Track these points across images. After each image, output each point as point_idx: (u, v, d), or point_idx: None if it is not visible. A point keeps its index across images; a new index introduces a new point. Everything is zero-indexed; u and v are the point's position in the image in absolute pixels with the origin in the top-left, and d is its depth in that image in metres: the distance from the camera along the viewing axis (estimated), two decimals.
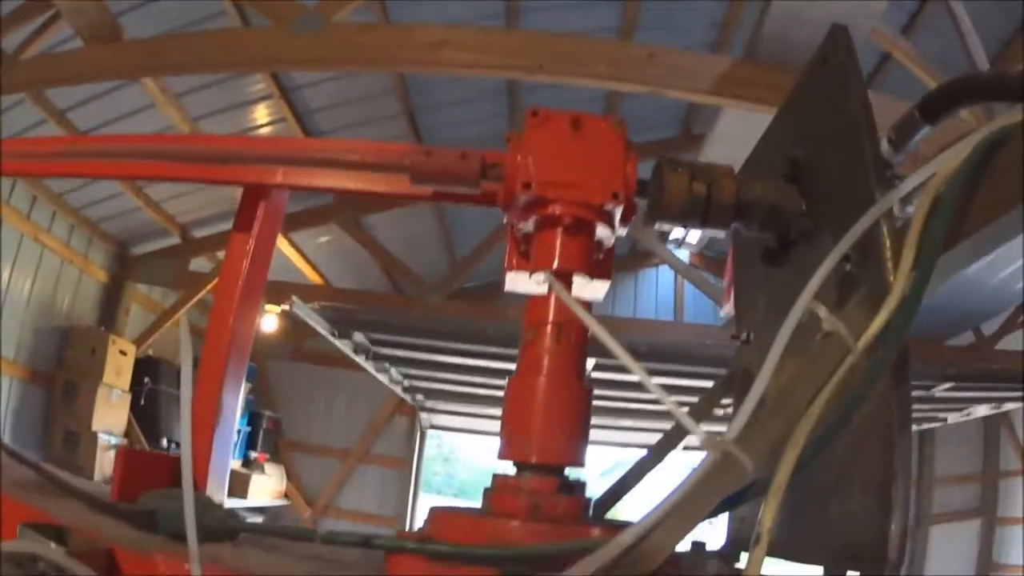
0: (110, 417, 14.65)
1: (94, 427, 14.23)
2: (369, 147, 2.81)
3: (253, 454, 18.94)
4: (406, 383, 18.19)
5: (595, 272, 2.35)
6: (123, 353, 14.97)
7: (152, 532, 2.30)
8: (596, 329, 2.10)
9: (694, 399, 11.23)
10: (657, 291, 21.86)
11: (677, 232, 15.71)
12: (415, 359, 15.59)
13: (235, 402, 3.01)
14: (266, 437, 19.98)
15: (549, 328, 2.26)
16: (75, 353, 14.70)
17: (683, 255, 17.88)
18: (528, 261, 2.44)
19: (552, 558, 1.92)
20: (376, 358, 15.64)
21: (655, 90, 8.12)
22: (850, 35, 2.32)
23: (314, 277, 17.17)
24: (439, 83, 12.98)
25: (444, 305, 15.62)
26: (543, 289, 2.31)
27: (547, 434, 2.20)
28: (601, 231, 2.34)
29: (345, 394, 21.39)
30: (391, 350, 15.14)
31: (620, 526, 2.01)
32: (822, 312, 1.85)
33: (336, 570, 2.18)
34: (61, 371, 14.77)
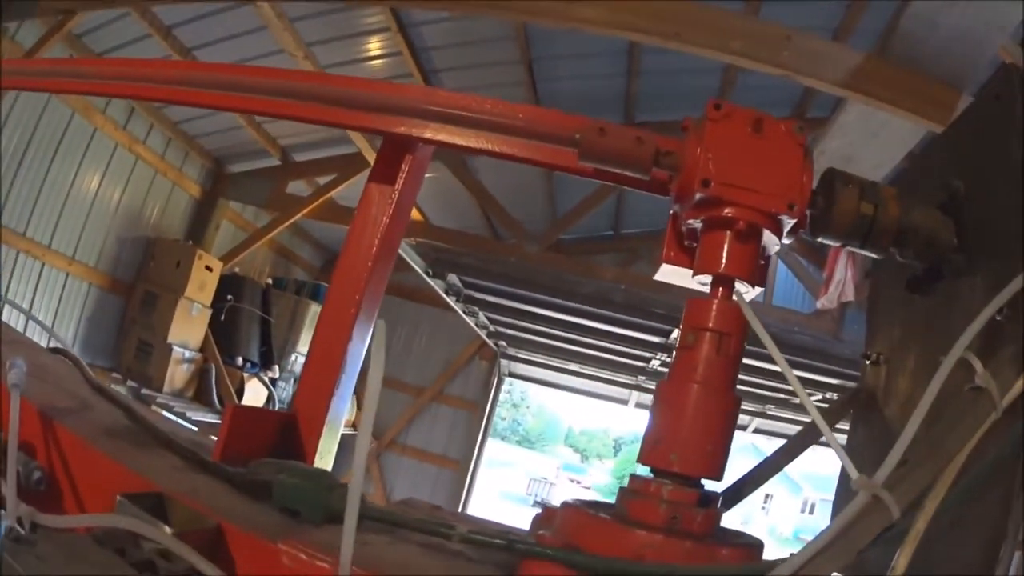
0: (187, 331, 14.79)
1: (170, 339, 14.40)
2: (536, 114, 2.67)
3: None
4: (492, 328, 18.37)
5: (754, 279, 2.24)
6: (209, 268, 15.08)
7: (263, 502, 2.21)
8: (775, 353, 2.03)
9: (775, 383, 11.22)
10: None
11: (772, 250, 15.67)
12: (505, 306, 15.76)
13: (358, 361, 2.87)
14: None
15: (708, 336, 2.14)
16: (159, 264, 14.86)
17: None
18: (686, 255, 2.40)
19: None
20: (467, 300, 15.74)
21: (787, 74, 7.96)
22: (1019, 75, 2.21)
23: (414, 213, 17.07)
24: (560, 35, 12.80)
25: (541, 256, 15.52)
26: (704, 289, 2.24)
27: (696, 446, 2.10)
28: (768, 238, 2.25)
29: (426, 332, 21.53)
30: (483, 295, 15.29)
31: (745, 542, 2.05)
32: (978, 367, 1.82)
33: (463, 566, 2.09)
34: (142, 281, 14.92)
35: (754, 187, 2.16)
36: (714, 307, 2.17)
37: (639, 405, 23.36)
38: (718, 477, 2.15)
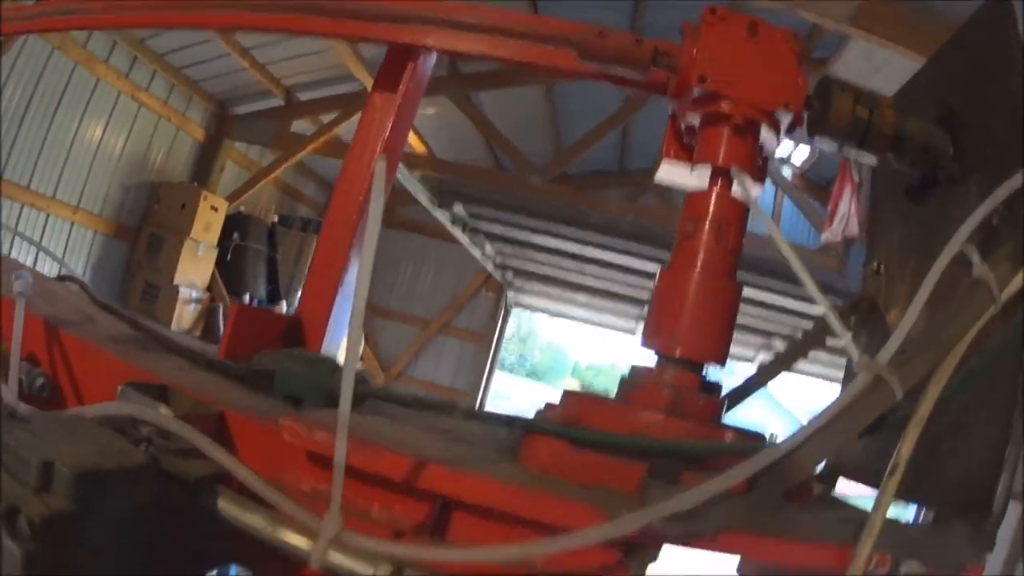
0: (194, 271, 14.80)
1: (176, 280, 14.41)
2: (534, 19, 2.76)
3: None
4: (498, 260, 18.41)
5: (753, 175, 2.25)
6: (214, 209, 15.05)
7: (266, 394, 2.23)
8: (774, 233, 2.05)
9: (785, 316, 11.22)
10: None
11: (783, 149, 15.65)
12: (512, 237, 15.75)
13: (362, 268, 2.92)
14: None
15: (708, 225, 2.18)
16: (164, 208, 14.83)
17: (786, 173, 17.74)
18: (685, 152, 2.42)
19: (700, 456, 1.95)
20: (473, 231, 15.73)
21: (792, 6, 7.95)
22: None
23: (418, 146, 16.99)
24: None
25: (547, 187, 15.49)
26: (703, 183, 2.26)
27: (696, 330, 2.14)
28: (765, 135, 2.27)
29: (433, 265, 21.42)
30: (489, 225, 15.26)
31: (749, 433, 2.06)
32: (975, 258, 1.88)
33: (462, 446, 2.11)
34: (147, 225, 14.89)
35: (750, 84, 2.20)
36: (713, 197, 2.20)
37: None
38: (721, 362, 2.18)
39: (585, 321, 23.22)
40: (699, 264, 2.16)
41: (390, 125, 2.89)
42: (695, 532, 1.69)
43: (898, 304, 2.62)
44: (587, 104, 15.71)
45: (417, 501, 1.83)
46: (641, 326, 21.72)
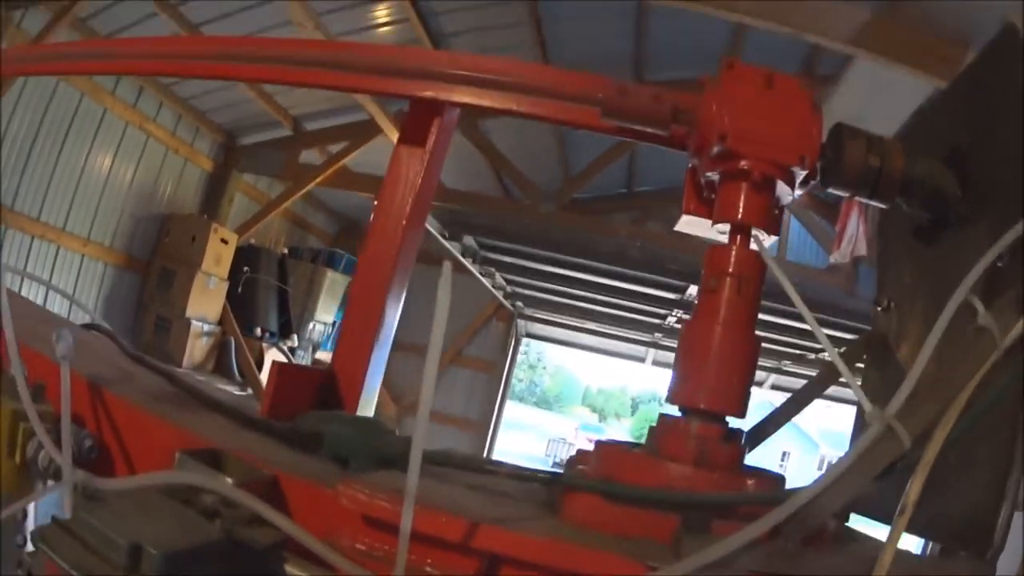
0: (205, 304, 14.85)
1: (188, 314, 14.47)
2: (559, 75, 2.80)
3: None
4: (508, 289, 18.38)
5: (769, 228, 2.34)
6: (224, 241, 15.11)
7: (312, 454, 2.30)
8: (791, 294, 2.13)
9: (790, 339, 11.23)
10: None
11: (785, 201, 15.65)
12: (521, 266, 15.79)
13: (393, 322, 2.99)
14: None
15: (729, 280, 2.25)
16: (174, 240, 14.91)
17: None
18: (705, 206, 2.51)
19: (731, 506, 2.02)
20: (483, 262, 15.75)
21: (796, 33, 7.99)
22: (1020, 35, 2.32)
23: None
24: None
25: (556, 215, 15.50)
26: (723, 238, 2.33)
27: (720, 382, 2.21)
28: (781, 189, 2.34)
29: None
30: (499, 255, 15.29)
31: (768, 475, 2.15)
32: (980, 308, 1.93)
33: (506, 504, 2.19)
34: (158, 258, 14.98)
35: (768, 140, 2.26)
36: (734, 253, 2.27)
37: (656, 363, 23.36)
38: (741, 413, 2.26)
39: (595, 350, 23.23)
40: (721, 318, 2.24)
41: (419, 180, 2.97)
42: None
43: (908, 340, 2.65)
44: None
45: (468, 558, 1.91)
46: (652, 353, 21.66)
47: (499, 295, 19.16)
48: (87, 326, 3.40)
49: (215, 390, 3.11)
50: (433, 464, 2.25)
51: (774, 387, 22.94)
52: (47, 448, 2.12)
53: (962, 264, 1.95)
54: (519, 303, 20.36)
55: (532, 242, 14.34)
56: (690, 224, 2.56)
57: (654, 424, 2.31)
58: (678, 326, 18.46)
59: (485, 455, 21.60)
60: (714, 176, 2.37)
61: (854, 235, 12.59)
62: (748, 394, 2.27)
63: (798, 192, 2.42)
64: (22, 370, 2.17)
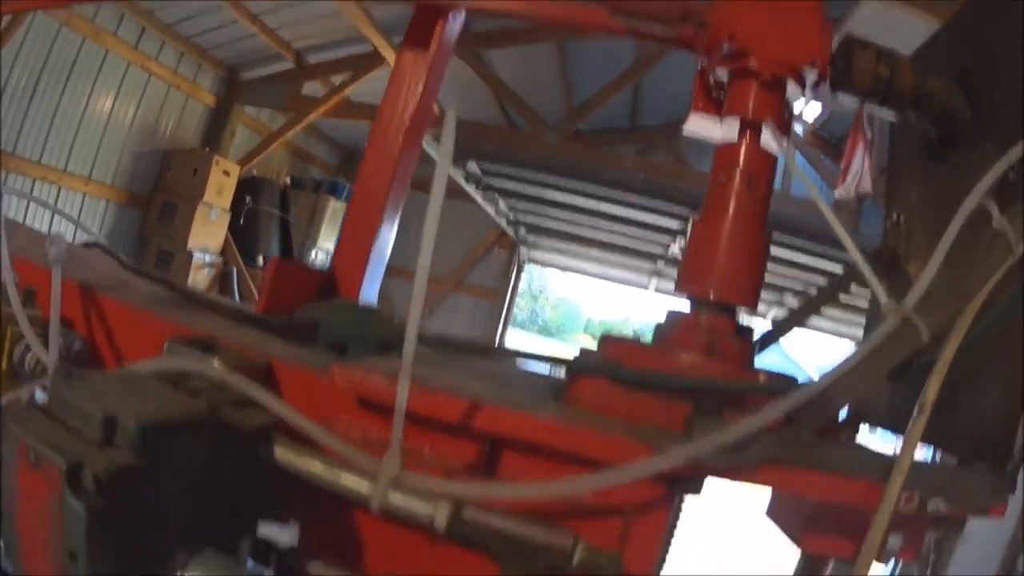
0: (207, 235, 14.80)
1: (189, 246, 14.41)
2: None
3: None
4: (512, 216, 18.35)
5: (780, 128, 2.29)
6: (226, 173, 15.03)
7: (309, 345, 2.26)
8: (806, 183, 2.11)
9: (799, 272, 11.19)
10: None
11: (796, 106, 15.60)
12: (525, 193, 15.73)
13: (392, 226, 2.96)
14: None
15: (739, 175, 2.23)
16: (176, 174, 14.82)
17: (797, 130, 17.64)
18: (714, 105, 2.45)
19: (741, 394, 2.01)
20: (486, 188, 15.71)
21: None
22: None
23: None
24: None
25: (560, 144, 15.44)
26: (731, 135, 2.29)
27: (729, 274, 2.19)
28: (791, 90, 2.31)
29: (445, 222, 20.94)
30: (502, 181, 15.22)
31: (780, 376, 2.10)
32: (995, 211, 1.94)
33: (509, 389, 2.15)
34: (160, 193, 14.89)
35: (778, 41, 2.24)
36: (743, 149, 2.25)
37: (659, 291, 23.35)
38: (753, 305, 2.24)
39: (598, 277, 23.19)
40: (731, 211, 2.21)
41: (422, 86, 2.93)
42: (738, 464, 1.73)
43: (918, 256, 2.67)
44: (599, 61, 15.67)
45: (468, 442, 1.88)
46: (655, 281, 21.65)
47: (502, 222, 19.11)
48: (88, 244, 3.35)
49: (220, 297, 3.08)
50: (435, 347, 2.22)
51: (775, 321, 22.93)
52: (34, 348, 2.10)
53: (971, 182, 1.95)
54: (522, 230, 20.25)
55: (536, 169, 14.27)
56: (698, 123, 2.51)
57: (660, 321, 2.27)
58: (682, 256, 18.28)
59: None
60: (723, 75, 2.35)
61: (859, 171, 12.53)
62: (759, 287, 2.26)
63: (808, 96, 2.38)
64: (12, 274, 2.16)
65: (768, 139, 2.25)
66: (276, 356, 2.09)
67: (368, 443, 1.84)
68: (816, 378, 1.80)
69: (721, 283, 2.18)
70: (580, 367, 2.03)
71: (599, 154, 15.82)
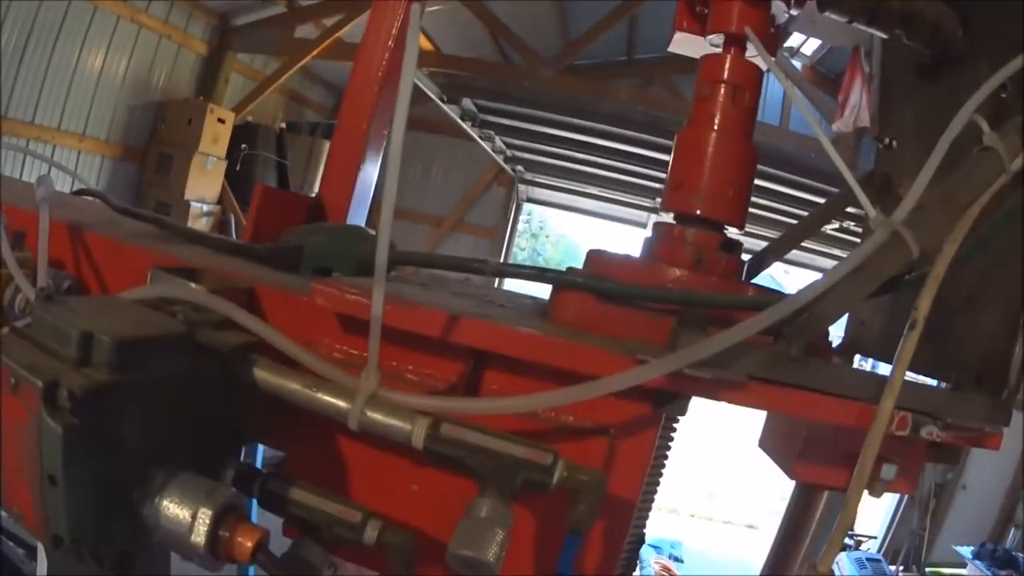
0: (204, 185, 14.79)
1: (187, 196, 14.41)
2: None
3: None
4: (508, 153, 18.38)
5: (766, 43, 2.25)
6: (221, 121, 14.97)
7: (294, 272, 2.25)
8: (792, 92, 2.08)
9: (795, 210, 11.17)
10: (766, 94, 21.26)
11: (793, 40, 15.53)
12: (522, 129, 15.75)
13: (376, 159, 2.94)
14: None
15: (723, 88, 2.20)
16: (170, 125, 14.79)
17: (795, 65, 17.64)
18: (698, 22, 2.42)
19: (726, 307, 1.97)
20: (482, 125, 15.70)
21: None
22: None
23: (424, 43, 16.82)
24: None
25: (556, 79, 15.42)
26: (717, 50, 2.28)
27: (717, 189, 2.17)
28: (776, 6, 2.28)
29: (442, 162, 21.34)
30: (498, 118, 15.24)
31: (768, 290, 2.10)
32: (985, 127, 1.89)
33: (493, 308, 2.14)
34: (155, 144, 14.87)
35: None
36: (728, 61, 2.21)
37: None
38: (740, 223, 2.22)
39: (596, 215, 23.19)
40: (716, 124, 2.18)
41: (395, 30, 2.90)
42: (724, 379, 1.72)
43: (911, 177, 2.64)
44: None
45: (450, 361, 1.87)
46: (653, 218, 21.71)
47: (499, 159, 19.12)
48: (79, 192, 3.35)
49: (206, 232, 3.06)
50: (415, 265, 2.21)
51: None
52: (22, 288, 2.09)
53: (964, 101, 1.91)
54: (519, 167, 20.33)
55: (532, 103, 14.26)
56: (683, 42, 2.51)
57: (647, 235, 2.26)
58: None
59: None
60: None
61: (857, 105, 12.51)
62: (746, 203, 2.24)
63: (793, 12, 2.36)
64: (1, 217, 2.14)
65: (753, 52, 2.22)
66: (258, 280, 2.08)
67: (350, 366, 1.81)
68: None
69: (707, 198, 2.16)
70: (565, 282, 2.01)
71: (596, 87, 15.80)
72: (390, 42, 2.89)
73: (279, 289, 2.06)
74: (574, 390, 1.62)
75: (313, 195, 2.93)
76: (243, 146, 15.93)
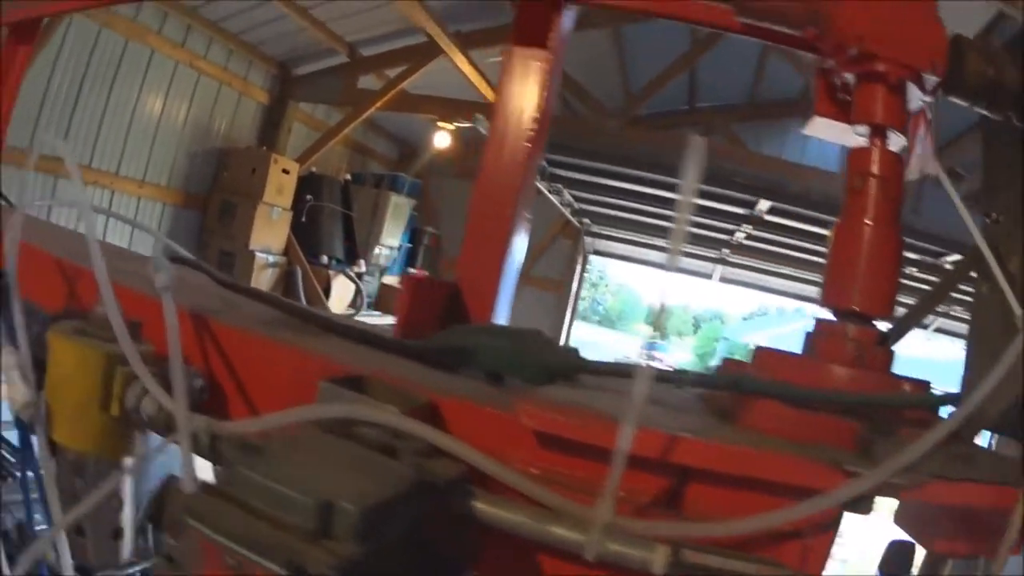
0: (269, 235, 14.91)
1: (252, 245, 14.53)
2: None
3: (412, 270, 18.81)
4: (576, 206, 18.38)
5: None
6: (285, 171, 15.15)
7: (445, 370, 2.17)
8: (947, 185, 2.11)
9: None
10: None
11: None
12: (590, 182, 15.79)
13: (524, 234, 3.04)
14: (426, 254, 20.63)
15: (873, 181, 2.23)
16: (233, 174, 14.99)
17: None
18: (838, 108, 2.44)
19: (908, 407, 2.01)
20: (551, 179, 15.75)
21: None
22: None
23: (489, 94, 16.82)
24: None
25: (623, 131, 15.44)
26: (862, 141, 2.29)
27: (871, 283, 2.19)
28: (911, 93, 2.31)
29: None
30: (567, 172, 15.25)
31: (923, 384, 2.08)
32: None
33: (678, 416, 2.13)
34: (217, 192, 15.04)
35: (902, 43, 2.22)
36: (876, 154, 2.25)
37: (724, 279, 23.25)
38: (890, 315, 2.22)
39: (663, 267, 23.09)
40: (869, 218, 2.20)
41: (539, 87, 2.96)
42: (918, 483, 1.73)
43: (1019, 253, 2.65)
44: (655, 45, 15.69)
45: (651, 475, 1.85)
46: (719, 269, 21.63)
47: (567, 211, 19.16)
48: (172, 259, 3.17)
49: (331, 314, 2.98)
50: (609, 375, 2.20)
51: None
52: (153, 393, 1.87)
53: None
54: (586, 220, 20.40)
55: (601, 157, 14.30)
56: (823, 127, 2.51)
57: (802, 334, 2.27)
58: (747, 242, 18.77)
59: None
60: (849, 78, 2.33)
61: (922, 152, 12.47)
62: (895, 295, 2.23)
63: (927, 99, 2.38)
64: (117, 305, 1.93)
65: (896, 143, 2.26)
66: (435, 391, 1.97)
67: (552, 483, 1.78)
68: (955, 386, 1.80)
69: (863, 293, 2.17)
70: (753, 388, 2.02)
71: (664, 136, 15.84)
72: (528, 111, 2.97)
73: (470, 404, 1.96)
74: (806, 505, 1.63)
75: (450, 280, 2.90)
76: (308, 197, 16.12)
